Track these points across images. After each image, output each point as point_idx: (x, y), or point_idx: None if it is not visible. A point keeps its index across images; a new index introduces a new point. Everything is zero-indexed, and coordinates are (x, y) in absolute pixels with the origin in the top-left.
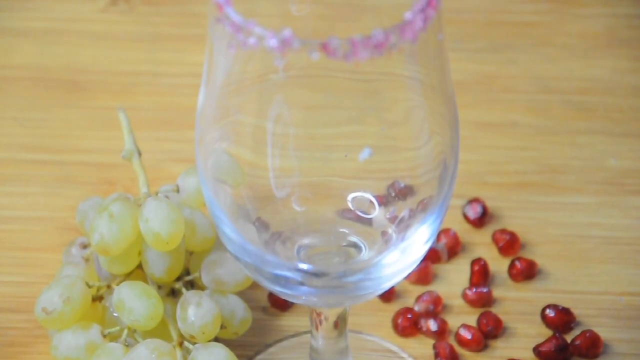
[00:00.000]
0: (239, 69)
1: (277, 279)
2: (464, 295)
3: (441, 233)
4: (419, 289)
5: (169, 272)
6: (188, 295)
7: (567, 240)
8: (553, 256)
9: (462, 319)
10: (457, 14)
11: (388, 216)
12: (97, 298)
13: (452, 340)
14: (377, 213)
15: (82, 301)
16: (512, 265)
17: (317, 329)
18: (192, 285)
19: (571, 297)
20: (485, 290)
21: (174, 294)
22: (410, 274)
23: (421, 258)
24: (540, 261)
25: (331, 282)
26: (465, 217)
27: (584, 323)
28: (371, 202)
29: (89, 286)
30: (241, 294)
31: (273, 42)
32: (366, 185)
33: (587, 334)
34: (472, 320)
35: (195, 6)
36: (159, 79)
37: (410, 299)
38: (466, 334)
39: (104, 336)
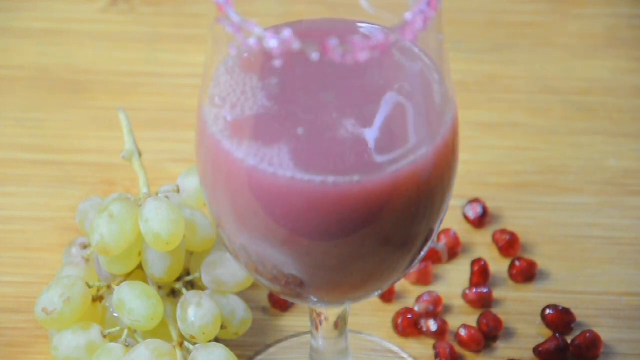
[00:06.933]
0: (239, 69)
1: (277, 279)
2: (464, 296)
3: (441, 233)
4: (419, 289)
5: (169, 272)
6: (188, 295)
7: (567, 240)
8: (553, 256)
9: (462, 319)
10: (457, 14)
11: None
12: (97, 298)
13: (452, 340)
14: None
15: (82, 301)
16: (512, 266)
17: (317, 329)
18: (192, 285)
19: (571, 297)
20: (485, 290)
21: (174, 294)
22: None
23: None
24: (540, 261)
25: None
26: (465, 217)
27: (584, 323)
28: None
29: (89, 286)
30: (241, 294)
31: (273, 42)
32: None
33: (587, 334)
34: (472, 320)
35: (195, 6)
36: (159, 79)
37: (410, 299)
38: (466, 334)
39: (104, 336)
